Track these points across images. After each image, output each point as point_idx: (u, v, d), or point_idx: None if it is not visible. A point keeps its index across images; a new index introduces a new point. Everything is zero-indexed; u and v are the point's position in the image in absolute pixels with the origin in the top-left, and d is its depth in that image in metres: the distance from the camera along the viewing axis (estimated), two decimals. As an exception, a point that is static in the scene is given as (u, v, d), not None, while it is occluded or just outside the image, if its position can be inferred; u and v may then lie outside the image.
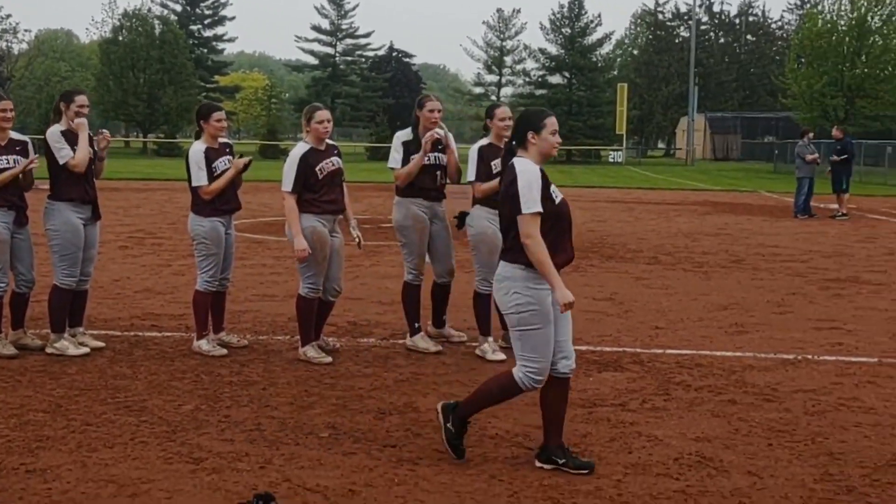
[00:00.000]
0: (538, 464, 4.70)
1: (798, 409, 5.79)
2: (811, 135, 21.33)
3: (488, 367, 6.72)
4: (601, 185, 34.53)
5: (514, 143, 4.66)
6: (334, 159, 6.88)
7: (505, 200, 4.53)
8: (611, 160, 62.33)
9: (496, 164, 6.98)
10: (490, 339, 7.08)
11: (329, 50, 78.71)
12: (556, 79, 72.33)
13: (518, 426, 5.37)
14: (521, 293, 4.49)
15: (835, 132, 21.28)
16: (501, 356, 6.92)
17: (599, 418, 5.55)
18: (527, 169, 4.47)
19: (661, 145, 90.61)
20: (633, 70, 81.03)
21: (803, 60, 49.93)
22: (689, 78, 63.45)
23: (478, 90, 77.67)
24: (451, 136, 7.33)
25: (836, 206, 20.52)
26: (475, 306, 7.14)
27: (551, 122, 4.60)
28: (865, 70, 47.39)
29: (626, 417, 5.58)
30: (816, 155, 20.73)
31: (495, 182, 6.94)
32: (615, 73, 78.53)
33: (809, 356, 7.22)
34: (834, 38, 47.86)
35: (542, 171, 4.52)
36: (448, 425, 4.73)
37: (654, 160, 71.27)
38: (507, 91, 77.32)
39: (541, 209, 4.41)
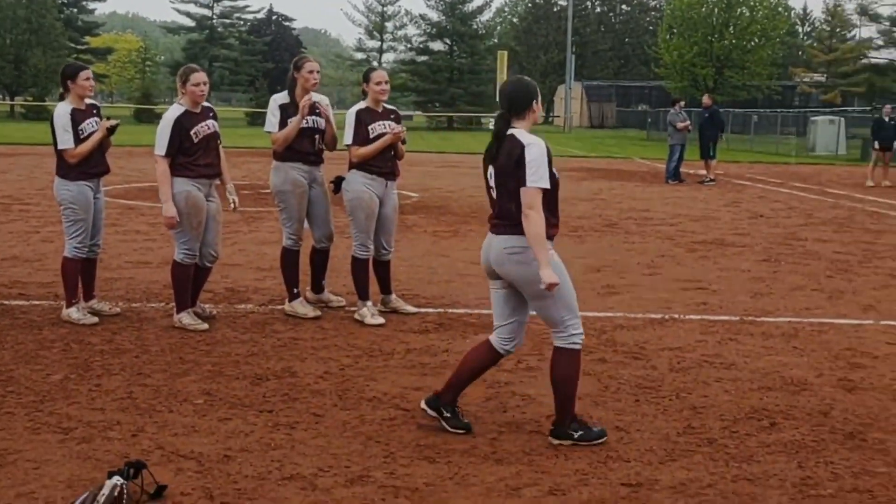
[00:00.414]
0: (422, 405, 4.81)
1: (664, 367, 6.03)
2: (682, 103, 21.98)
3: (367, 331, 6.76)
4: (482, 151, 34.67)
5: (510, 112, 4.58)
6: (210, 122, 6.75)
7: (508, 172, 4.46)
8: (492, 127, 62.77)
9: (373, 128, 6.97)
10: (369, 303, 7.11)
11: (206, 12, 76.58)
12: (437, 45, 72.23)
13: (396, 388, 5.43)
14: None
15: (704, 100, 22.02)
16: (380, 320, 6.96)
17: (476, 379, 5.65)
18: (536, 142, 4.44)
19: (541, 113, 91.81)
20: (512, 38, 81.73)
21: (675, 31, 51.35)
22: (566, 46, 64.34)
23: (359, 56, 76.90)
24: (329, 108, 7.29)
25: (704, 172, 21.27)
26: (353, 271, 7.15)
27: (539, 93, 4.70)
28: (733, 41, 49.14)
29: (501, 378, 5.70)
30: (688, 122, 21.41)
31: (373, 146, 6.94)
32: (495, 40, 79.01)
33: (676, 315, 7.50)
34: (703, 9, 49.33)
35: (546, 144, 4.52)
36: (574, 433, 4.61)
37: (533, 127, 72.07)
38: (388, 57, 76.94)
39: (548, 185, 4.41)
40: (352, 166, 7.03)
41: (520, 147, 4.43)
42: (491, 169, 4.61)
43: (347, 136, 6.98)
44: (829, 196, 18.29)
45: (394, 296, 7.44)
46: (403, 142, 7.13)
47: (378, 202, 7.03)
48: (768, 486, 4.13)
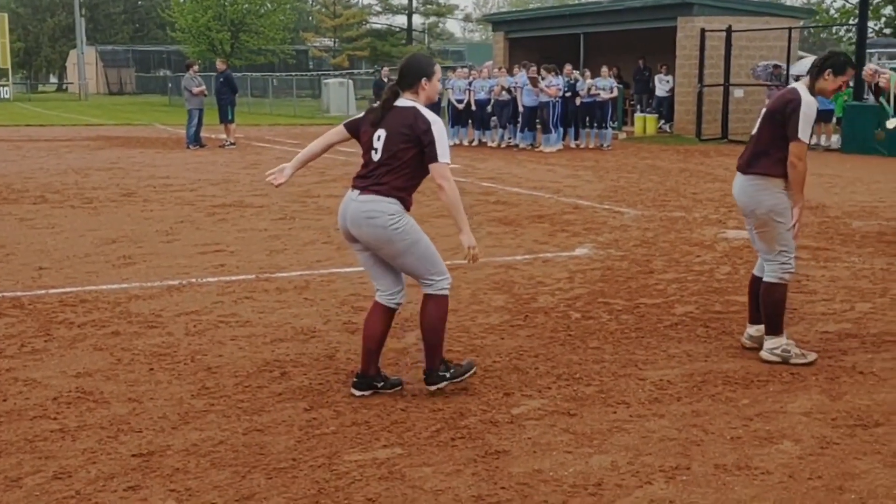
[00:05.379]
0: (357, 392, 4.77)
1: (180, 332, 6.02)
2: (196, 67, 21.81)
3: None
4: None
5: (399, 86, 4.70)
6: None
7: (408, 138, 4.57)
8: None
9: None
10: None
11: None
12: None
13: None
14: (399, 217, 4.61)
15: (218, 65, 22.09)
16: None
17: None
18: (437, 119, 4.62)
19: (53, 80, 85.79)
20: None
21: (187, -6, 50.70)
22: (74, 9, 60.56)
23: None
24: None
25: (224, 136, 21.40)
26: None
27: (439, 69, 4.79)
28: (246, 6, 49.65)
29: (2, 364, 5.31)
30: (203, 87, 21.29)
31: None
32: (-8, 0, 72.04)
33: (194, 280, 7.51)
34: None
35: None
36: (445, 374, 4.84)
37: (46, 95, 67.20)
38: None
39: (450, 160, 4.61)
40: None
41: (426, 123, 4.55)
42: (381, 132, 4.64)
43: None
44: (341, 154, 19.30)
45: None
46: None
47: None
48: (277, 434, 4.33)
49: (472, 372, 4.94)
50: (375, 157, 4.67)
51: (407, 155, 4.60)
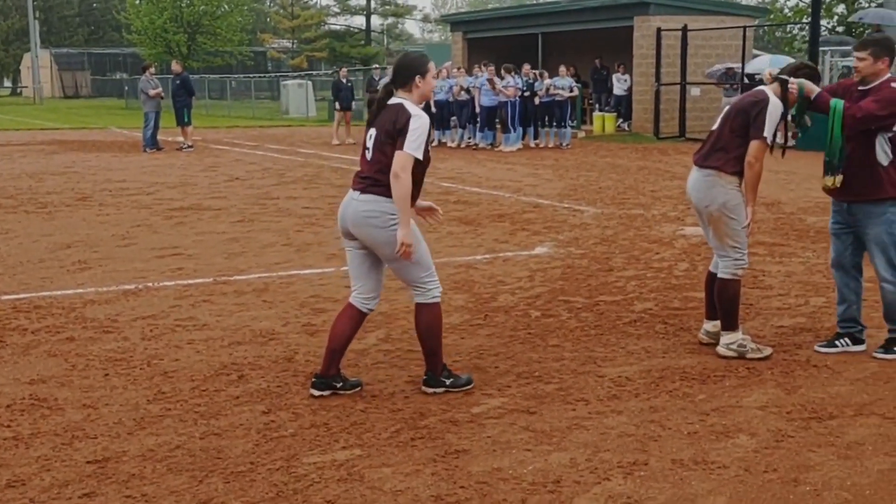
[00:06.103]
0: (316, 392, 4.78)
1: (136, 337, 5.95)
2: (153, 69, 21.58)
3: None
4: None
5: (394, 84, 4.70)
6: None
7: (392, 136, 4.55)
8: None
9: None
10: None
11: None
12: None
13: None
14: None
15: (173, 67, 21.87)
16: None
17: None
18: (421, 115, 4.59)
19: (7, 84, 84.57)
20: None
21: (143, -4, 50.14)
22: (28, 11, 59.70)
23: None
24: None
25: (182, 138, 21.19)
26: None
27: (433, 67, 4.78)
28: (202, 7, 49.21)
29: (-47, 373, 5.21)
30: (160, 89, 21.06)
31: None
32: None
33: (150, 284, 7.43)
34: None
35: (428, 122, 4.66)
36: (445, 381, 4.88)
37: (0, 100, 66.32)
38: None
39: (420, 156, 4.55)
40: None
41: (407, 116, 4.54)
42: (372, 131, 4.67)
43: None
44: (300, 156, 19.24)
45: None
46: None
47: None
48: (234, 437, 4.29)
49: (469, 386, 4.94)
50: (368, 155, 4.69)
51: (393, 151, 4.56)
